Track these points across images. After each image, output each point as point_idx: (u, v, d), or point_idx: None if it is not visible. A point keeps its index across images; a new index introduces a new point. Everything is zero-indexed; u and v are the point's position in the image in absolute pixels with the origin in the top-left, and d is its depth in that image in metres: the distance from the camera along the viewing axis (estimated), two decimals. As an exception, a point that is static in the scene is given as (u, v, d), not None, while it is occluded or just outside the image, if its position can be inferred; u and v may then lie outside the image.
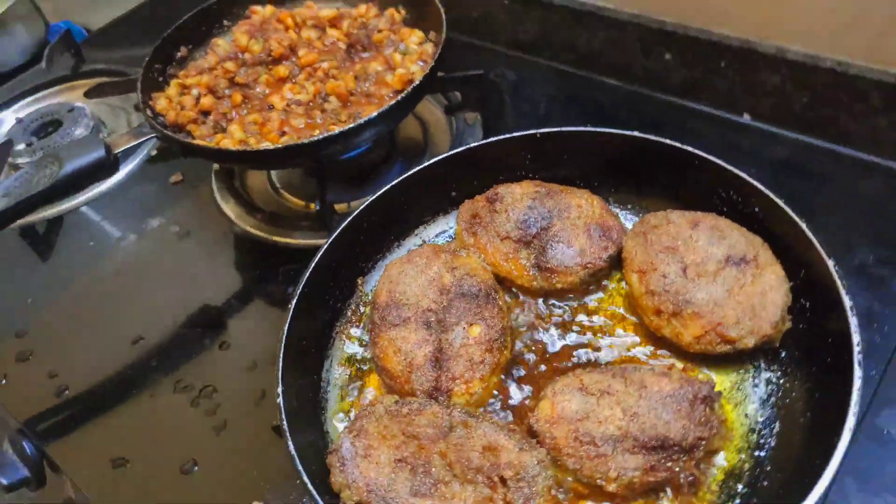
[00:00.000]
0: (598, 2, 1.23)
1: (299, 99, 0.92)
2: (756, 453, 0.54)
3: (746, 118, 1.12)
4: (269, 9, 1.06)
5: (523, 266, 0.67)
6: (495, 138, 0.71)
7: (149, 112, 0.89)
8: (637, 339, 0.63)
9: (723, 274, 0.60)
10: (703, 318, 0.58)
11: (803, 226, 0.57)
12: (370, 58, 0.97)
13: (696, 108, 1.01)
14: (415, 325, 0.63)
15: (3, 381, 0.85)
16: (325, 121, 0.89)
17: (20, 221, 1.01)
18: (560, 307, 0.66)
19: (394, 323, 0.63)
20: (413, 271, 0.66)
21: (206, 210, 1.00)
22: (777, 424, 0.55)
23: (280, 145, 0.83)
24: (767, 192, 0.60)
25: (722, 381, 0.59)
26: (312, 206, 0.96)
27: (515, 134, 0.71)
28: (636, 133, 0.68)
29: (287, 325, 0.60)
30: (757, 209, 0.62)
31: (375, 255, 0.73)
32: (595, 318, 0.65)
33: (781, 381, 0.58)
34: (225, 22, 1.07)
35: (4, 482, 0.79)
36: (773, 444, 0.54)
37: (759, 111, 1.13)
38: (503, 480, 0.52)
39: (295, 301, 0.61)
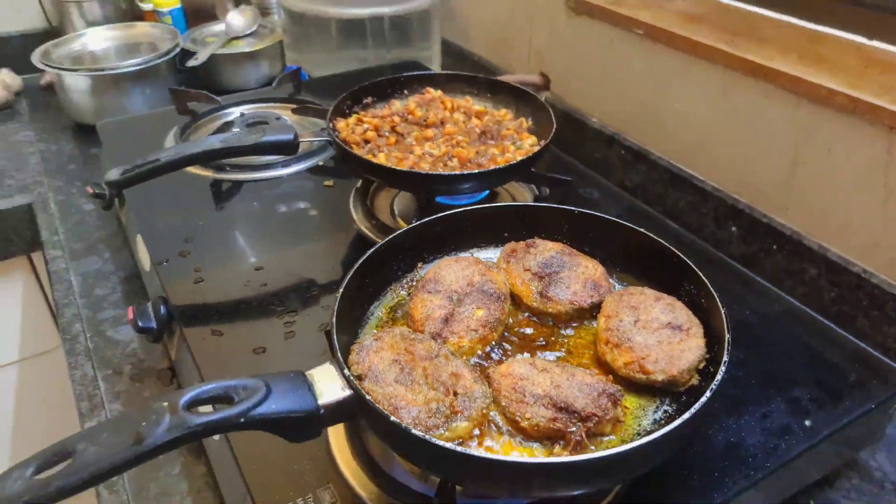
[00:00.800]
0: (692, 170, 1.51)
1: (433, 152, 1.26)
2: (633, 447, 0.74)
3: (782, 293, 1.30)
4: (438, 93, 1.44)
5: (531, 290, 0.93)
6: (545, 204, 0.99)
7: (331, 125, 1.27)
8: (588, 362, 0.86)
9: (661, 332, 0.82)
10: (634, 352, 0.80)
11: (723, 312, 0.79)
12: (493, 144, 1.30)
13: (747, 273, 1.22)
14: (441, 296, 0.90)
15: (166, 263, 1.20)
16: (442, 171, 1.21)
17: (217, 175, 1.41)
18: (545, 327, 0.91)
19: (429, 291, 0.91)
20: (456, 266, 0.94)
21: (340, 209, 1.34)
22: (656, 436, 0.75)
23: (406, 169, 1.16)
24: (713, 292, 0.83)
25: (633, 400, 0.80)
26: (412, 229, 1.27)
27: (560, 206, 0.99)
28: (642, 229, 0.94)
29: (362, 259, 0.89)
30: (703, 301, 0.85)
31: (436, 254, 1.01)
32: (566, 340, 0.89)
33: (674, 414, 0.78)
34: (405, 91, 1.46)
35: (140, 325, 1.11)
36: (648, 447, 0.74)
37: (794, 292, 1.32)
38: (455, 394, 0.76)
39: (372, 251, 0.91)
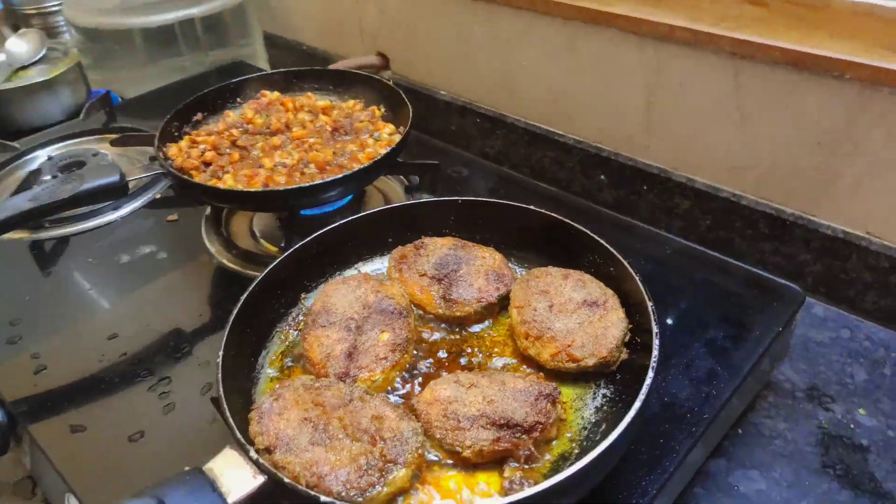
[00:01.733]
0: (551, 127, 1.48)
1: (285, 162, 1.13)
2: (584, 444, 0.69)
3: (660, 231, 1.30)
4: (275, 94, 1.30)
5: (433, 296, 0.85)
6: (426, 199, 0.91)
7: (161, 154, 1.10)
8: (511, 359, 0.79)
9: (578, 312, 0.77)
10: (557, 340, 0.75)
11: (637, 279, 0.75)
12: (349, 140, 1.19)
13: (624, 219, 1.20)
14: (337, 328, 0.79)
15: (-8, 357, 0.99)
16: (301, 181, 1.09)
17: (35, 235, 1.20)
18: (457, 331, 0.83)
19: (321, 325, 0.80)
20: (345, 289, 0.83)
21: (193, 245, 1.18)
22: (604, 426, 0.71)
23: (259, 189, 1.03)
24: (619, 256, 0.79)
25: (569, 392, 0.75)
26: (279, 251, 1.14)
27: (442, 198, 0.91)
28: (532, 207, 0.88)
29: (236, 310, 0.76)
30: (612, 269, 0.81)
31: (318, 279, 0.90)
32: (482, 341, 0.82)
33: (612, 396, 0.74)
34: (238, 99, 1.31)
35: (-26, 441, 0.91)
36: (598, 439, 0.69)
37: (672, 228, 1.34)
38: (383, 439, 0.67)
39: (246, 295, 0.78)
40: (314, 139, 1.18)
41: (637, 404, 0.62)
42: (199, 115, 1.25)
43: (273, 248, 1.15)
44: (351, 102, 1.29)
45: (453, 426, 0.68)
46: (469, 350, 0.81)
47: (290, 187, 1.02)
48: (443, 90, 1.66)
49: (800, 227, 1.17)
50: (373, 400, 0.71)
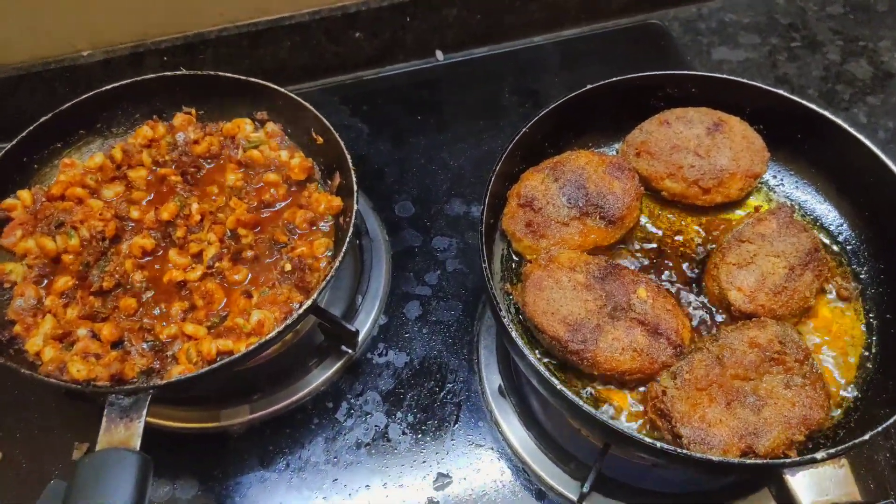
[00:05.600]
0: (268, 16, 1.21)
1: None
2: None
3: (439, 56, 1.26)
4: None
5: (595, 228, 0.77)
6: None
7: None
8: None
9: (710, 142, 0.79)
10: (736, 173, 0.78)
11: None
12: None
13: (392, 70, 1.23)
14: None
15: None
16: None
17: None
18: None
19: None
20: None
21: None
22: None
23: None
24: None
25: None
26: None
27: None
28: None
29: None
30: (694, 89, 0.84)
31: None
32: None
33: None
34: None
35: None
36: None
37: (446, 44, 1.30)
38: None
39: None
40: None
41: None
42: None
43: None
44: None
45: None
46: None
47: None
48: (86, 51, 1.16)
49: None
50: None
